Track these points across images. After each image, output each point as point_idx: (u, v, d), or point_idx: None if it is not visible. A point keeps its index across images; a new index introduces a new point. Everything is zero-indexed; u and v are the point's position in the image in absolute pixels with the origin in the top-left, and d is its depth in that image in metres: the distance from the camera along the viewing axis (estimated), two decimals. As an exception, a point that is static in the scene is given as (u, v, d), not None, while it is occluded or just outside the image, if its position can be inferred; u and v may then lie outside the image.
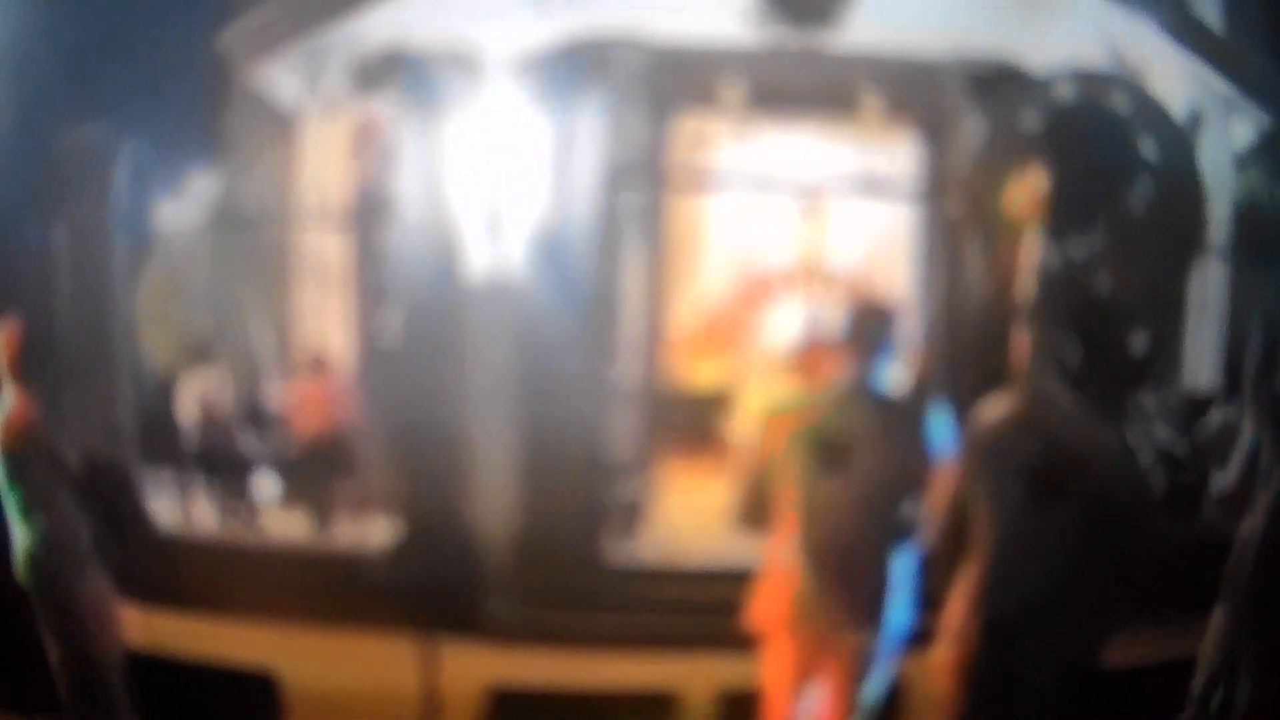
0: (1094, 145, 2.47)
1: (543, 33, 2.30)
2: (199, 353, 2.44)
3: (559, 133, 2.31)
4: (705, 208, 2.44)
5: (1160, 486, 2.51)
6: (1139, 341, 2.49)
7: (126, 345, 2.43)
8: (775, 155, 2.41)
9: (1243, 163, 2.53)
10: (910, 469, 2.28)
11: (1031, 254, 2.42)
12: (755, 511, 2.24)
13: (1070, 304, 2.49)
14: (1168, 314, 2.55)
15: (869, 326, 2.27)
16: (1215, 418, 2.52)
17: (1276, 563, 2.54)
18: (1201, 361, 2.54)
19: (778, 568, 2.27)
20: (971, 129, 2.39)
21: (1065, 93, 2.44)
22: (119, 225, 2.41)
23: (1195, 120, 2.49)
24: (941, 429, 2.28)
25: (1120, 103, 2.48)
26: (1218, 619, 2.54)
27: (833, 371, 2.27)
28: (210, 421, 2.42)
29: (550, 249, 2.30)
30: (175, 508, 2.42)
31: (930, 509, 2.32)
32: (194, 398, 2.43)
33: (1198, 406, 2.56)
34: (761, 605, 2.28)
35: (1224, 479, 2.47)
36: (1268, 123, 2.54)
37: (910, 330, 2.34)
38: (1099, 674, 2.45)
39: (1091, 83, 2.45)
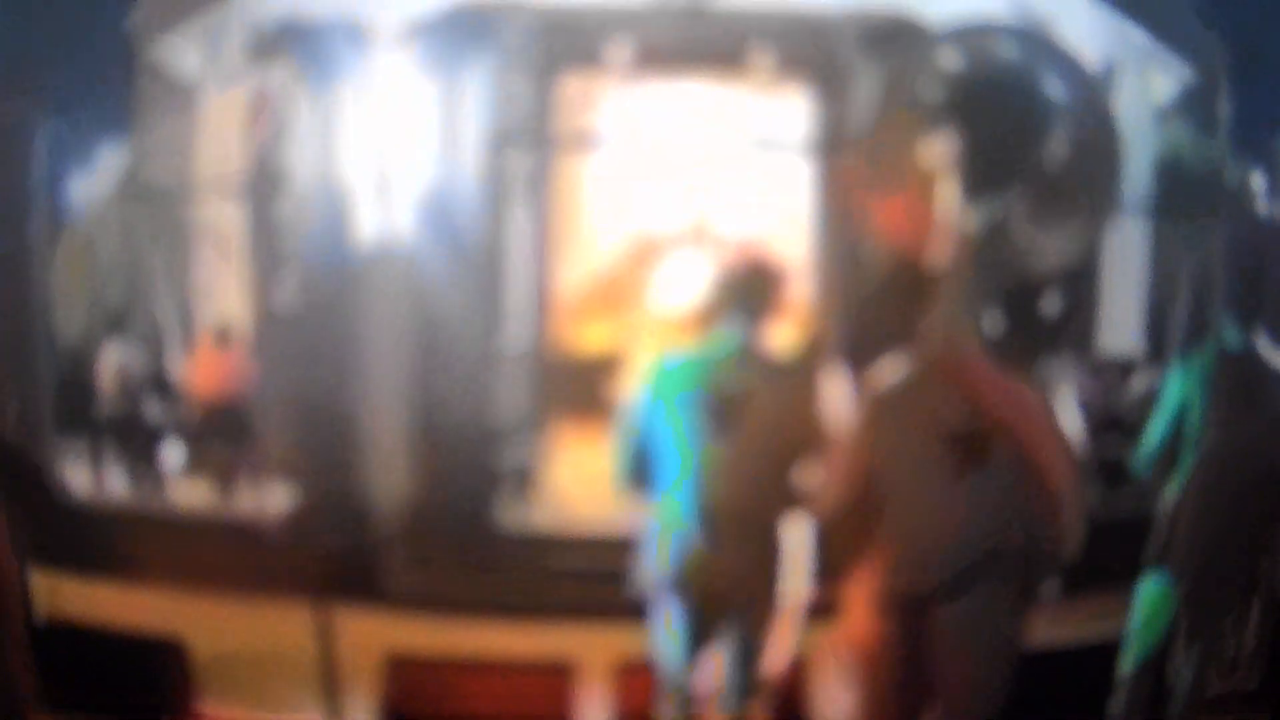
0: (1002, 101, 2.41)
1: (429, -1, 2.32)
2: (111, 324, 2.49)
3: (445, 97, 2.32)
4: (592, 169, 2.43)
5: (1084, 454, 2.42)
6: (1053, 303, 2.41)
7: (44, 319, 2.49)
8: (664, 115, 2.39)
9: (1164, 117, 2.44)
10: (801, 433, 2.22)
11: (943, 214, 2.36)
12: (638, 473, 2.21)
13: (987, 265, 2.42)
14: (1085, 274, 2.46)
15: (755, 287, 2.23)
16: (1138, 383, 2.42)
17: (1212, 536, 2.43)
18: (1123, 324, 2.44)
19: (665, 532, 2.23)
20: (868, 86, 2.34)
21: (968, 46, 2.38)
22: (36, 201, 2.48)
23: (1110, 72, 2.41)
24: (835, 393, 2.23)
25: (1028, 56, 2.41)
26: (1150, 596, 2.43)
27: (720, 333, 2.23)
28: (123, 391, 2.47)
29: (438, 214, 2.31)
30: (88, 476, 2.47)
31: (828, 476, 2.26)
32: (108, 368, 2.48)
33: (1119, 371, 2.46)
34: (650, 569, 2.24)
35: (1146, 444, 2.37)
36: (1189, 75, 2.44)
37: (803, 290, 2.29)
38: (1021, 653, 2.37)
39: (996, 35, 2.39)
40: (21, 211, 2.49)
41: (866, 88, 2.35)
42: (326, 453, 2.35)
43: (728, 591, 2.25)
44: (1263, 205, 2.47)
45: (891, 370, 2.25)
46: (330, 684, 2.35)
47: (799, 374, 2.25)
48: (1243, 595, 2.42)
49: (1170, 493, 2.35)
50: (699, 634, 2.25)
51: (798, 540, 2.25)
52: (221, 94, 2.41)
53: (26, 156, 2.48)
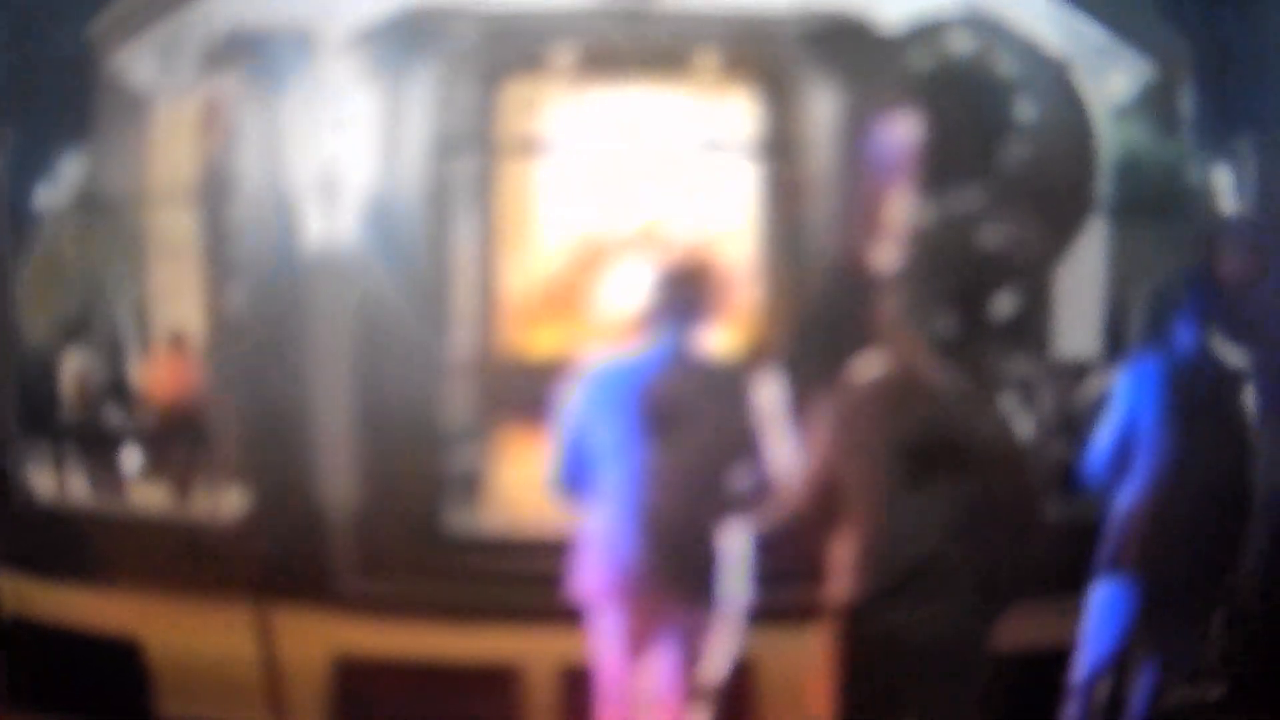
0: (958, 99, 2.37)
1: (375, 6, 2.33)
2: (73, 331, 2.53)
3: (390, 104, 2.34)
4: (537, 174, 2.43)
5: (1041, 459, 2.37)
6: (1008, 304, 2.37)
7: (7, 326, 2.53)
8: (609, 119, 2.39)
9: (1122, 115, 2.40)
10: (735, 437, 2.17)
11: (899, 213, 2.33)
12: (573, 478, 2.18)
13: (945, 265, 2.38)
14: (1045, 275, 2.41)
15: (688, 292, 2.19)
16: (1095, 384, 2.37)
17: (1173, 542, 2.36)
18: (1081, 326, 2.40)
19: (601, 536, 2.21)
20: (820, 87, 2.32)
21: (919, 46, 2.35)
22: (0, 213, 2.52)
23: (1064, 71, 2.37)
24: (770, 398, 2.17)
25: (982, 53, 2.37)
26: (1103, 602, 2.36)
27: (655, 338, 2.20)
28: (84, 397, 2.50)
29: (383, 219, 2.33)
30: (51, 480, 2.51)
31: (795, 480, 2.21)
32: (70, 374, 2.52)
33: (1077, 373, 2.41)
34: (587, 574, 2.21)
35: (1095, 450, 2.31)
36: (1149, 72, 2.40)
37: (743, 294, 2.27)
38: (983, 656, 2.32)
39: (948, 34, 2.35)
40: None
41: (815, 88, 2.33)
42: (277, 457, 2.38)
43: (666, 597, 2.22)
44: (1224, 203, 2.42)
45: (864, 370, 2.20)
46: (279, 684, 2.37)
47: (733, 379, 2.21)
48: (1206, 604, 2.36)
49: (1124, 498, 2.30)
50: (637, 638, 2.22)
51: (735, 546, 2.22)
52: (175, 103, 2.44)
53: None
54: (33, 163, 2.52)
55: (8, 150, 2.51)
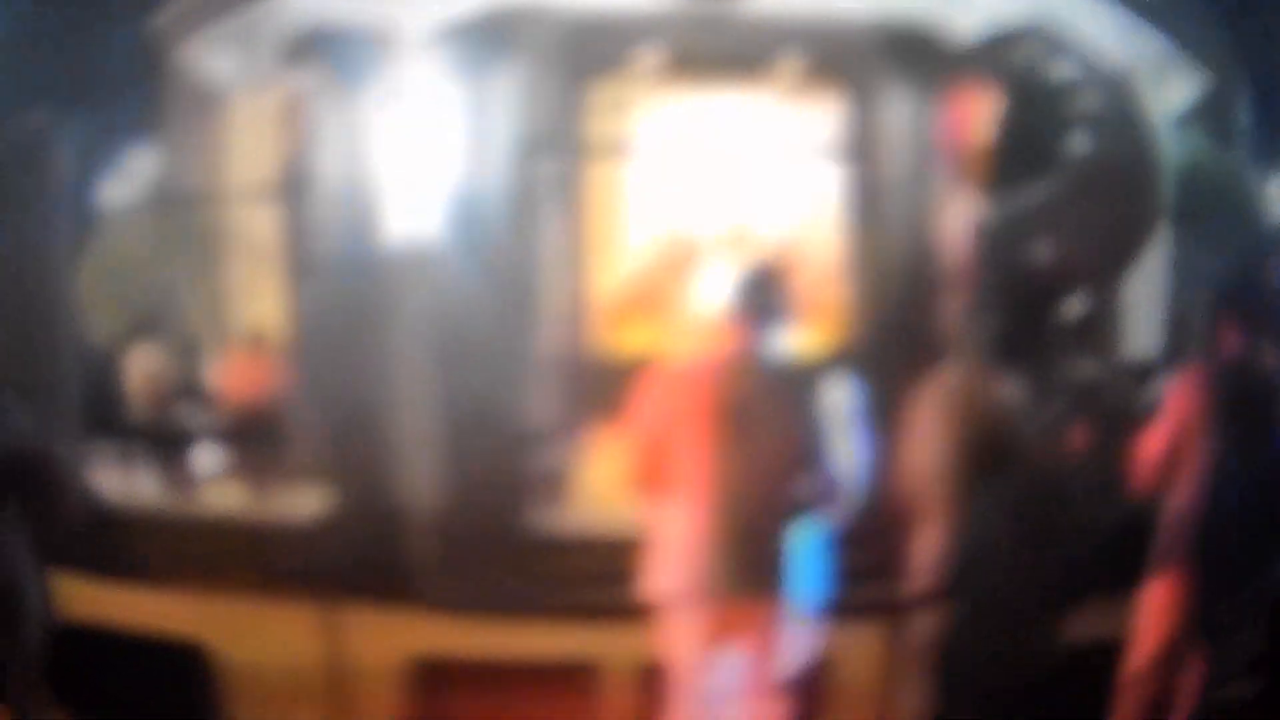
0: (1025, 105, 2.43)
1: (457, 4, 2.33)
2: (141, 328, 2.50)
3: (474, 103, 2.34)
4: (624, 175, 2.44)
5: (1094, 461, 2.43)
6: (1074, 307, 2.44)
7: (70, 324, 2.50)
8: (694, 121, 2.41)
9: (1182, 124, 2.47)
10: (809, 438, 2.21)
11: (965, 216, 2.38)
12: (651, 477, 2.20)
13: (1007, 267, 2.44)
14: (1109, 278, 2.48)
15: (764, 295, 2.22)
16: (1152, 388, 2.44)
17: (1221, 542, 2.44)
18: (1143, 329, 2.47)
19: (677, 534, 2.23)
20: (898, 92, 2.37)
21: (990, 54, 2.41)
22: (62, 208, 2.48)
23: (1126, 80, 2.44)
24: (847, 400, 2.20)
25: (1051, 61, 2.44)
26: (1157, 599, 2.44)
27: (732, 338, 2.22)
28: (155, 396, 2.47)
29: (467, 220, 2.33)
30: (118, 480, 2.47)
31: (873, 479, 2.24)
32: (139, 373, 2.49)
33: (1139, 375, 2.49)
34: (661, 572, 2.23)
35: (1147, 451, 2.38)
36: (1207, 82, 2.48)
37: (833, 295, 2.30)
38: (1044, 655, 2.38)
39: (1017, 43, 2.41)
40: (47, 217, 2.49)
41: (894, 93, 2.38)
42: (358, 456, 2.36)
43: (740, 595, 2.25)
44: (1276, 212, 2.51)
45: (941, 372, 2.24)
46: (352, 686, 2.36)
47: (806, 380, 2.23)
48: (1255, 602, 2.44)
49: (1174, 500, 2.37)
50: (713, 635, 2.24)
51: (809, 543, 2.25)
52: (252, 98, 2.41)
53: (52, 162, 2.49)
54: (100, 156, 2.48)
55: (72, 143, 2.47)
